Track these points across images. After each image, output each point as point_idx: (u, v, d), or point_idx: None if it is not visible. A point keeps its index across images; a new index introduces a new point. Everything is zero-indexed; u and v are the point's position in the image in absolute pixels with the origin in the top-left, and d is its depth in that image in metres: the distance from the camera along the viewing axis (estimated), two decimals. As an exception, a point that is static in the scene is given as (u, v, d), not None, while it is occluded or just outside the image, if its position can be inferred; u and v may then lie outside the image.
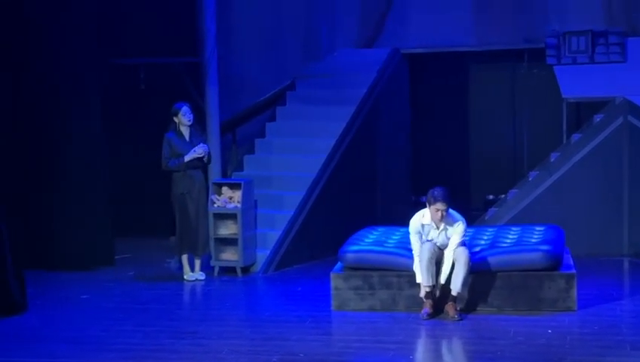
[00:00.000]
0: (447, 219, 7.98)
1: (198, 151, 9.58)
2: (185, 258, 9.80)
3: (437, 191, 7.89)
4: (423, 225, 8.05)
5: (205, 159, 9.73)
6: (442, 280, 7.98)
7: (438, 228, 8.01)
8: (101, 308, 8.70)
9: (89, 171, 10.45)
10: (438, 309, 8.06)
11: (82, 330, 7.84)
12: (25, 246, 8.90)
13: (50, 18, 10.28)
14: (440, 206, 7.88)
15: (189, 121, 9.61)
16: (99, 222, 10.51)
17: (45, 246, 10.38)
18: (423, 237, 8.07)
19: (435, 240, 8.05)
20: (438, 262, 8.02)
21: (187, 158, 9.59)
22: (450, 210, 7.98)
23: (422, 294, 8.01)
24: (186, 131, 9.67)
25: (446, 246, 8.04)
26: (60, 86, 10.36)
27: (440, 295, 8.07)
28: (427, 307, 7.99)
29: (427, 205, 7.98)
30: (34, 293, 8.97)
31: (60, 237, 10.41)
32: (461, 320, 7.85)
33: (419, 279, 8.00)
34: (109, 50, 11.64)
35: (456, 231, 7.96)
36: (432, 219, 7.96)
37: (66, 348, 7.34)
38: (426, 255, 7.94)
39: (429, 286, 7.97)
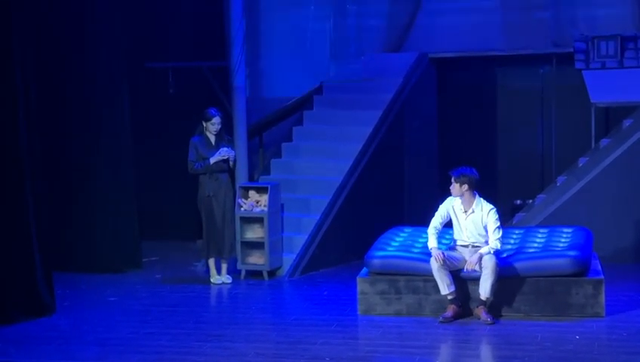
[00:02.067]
0: (474, 204, 8.12)
1: (223, 153, 9.64)
2: (211, 261, 9.85)
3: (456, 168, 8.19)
4: (453, 206, 8.22)
5: (231, 164, 9.77)
6: (481, 290, 7.99)
7: (465, 211, 8.12)
8: (128, 310, 8.76)
9: (117, 173, 10.53)
10: (464, 314, 8.07)
11: (110, 332, 7.90)
12: (53, 248, 8.98)
13: (85, 22, 10.38)
14: (452, 180, 8.12)
15: (216, 131, 9.69)
16: (126, 224, 10.59)
17: (73, 248, 10.47)
18: (454, 220, 8.20)
19: (464, 229, 8.15)
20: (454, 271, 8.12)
21: (213, 160, 9.64)
22: (479, 197, 8.17)
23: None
24: (211, 136, 9.74)
25: (473, 238, 8.12)
26: (92, 90, 10.45)
27: (467, 299, 8.09)
28: (449, 311, 8.02)
29: None
30: (62, 295, 9.06)
31: (87, 239, 10.49)
32: (493, 323, 7.85)
33: (431, 243, 8.12)
34: (138, 54, 11.72)
35: (489, 218, 8.08)
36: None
37: (93, 349, 7.40)
38: (435, 264, 7.99)
39: (449, 294, 8.00)
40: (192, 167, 9.71)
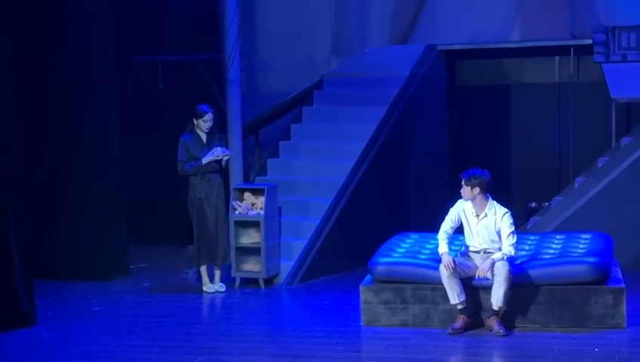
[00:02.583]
0: (487, 207, 8.12)
1: (216, 154, 9.63)
2: (203, 268, 9.84)
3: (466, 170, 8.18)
4: (464, 210, 8.22)
5: (223, 164, 9.77)
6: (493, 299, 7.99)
7: (477, 215, 8.13)
8: (115, 320, 8.76)
9: (103, 174, 10.52)
10: (475, 325, 8.06)
11: (95, 345, 7.89)
12: (34, 255, 8.97)
13: (70, 13, 10.36)
14: (462, 183, 8.12)
15: (208, 128, 9.68)
16: (113, 228, 10.58)
17: (56, 255, 10.47)
18: (465, 224, 8.21)
19: (476, 234, 8.15)
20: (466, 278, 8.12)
21: (205, 161, 9.63)
22: (492, 200, 8.16)
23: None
24: (203, 135, 9.73)
25: (486, 243, 8.13)
26: (78, 86, 10.42)
27: (478, 308, 8.09)
28: (459, 321, 8.02)
29: None
30: (43, 305, 9.05)
31: (71, 244, 10.48)
32: (506, 335, 7.85)
33: (441, 249, 8.09)
34: (126, 47, 11.71)
35: (503, 223, 8.07)
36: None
37: (77, 363, 7.41)
38: (444, 272, 7.99)
39: (460, 304, 8.00)
40: (182, 168, 9.70)
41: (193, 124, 9.73)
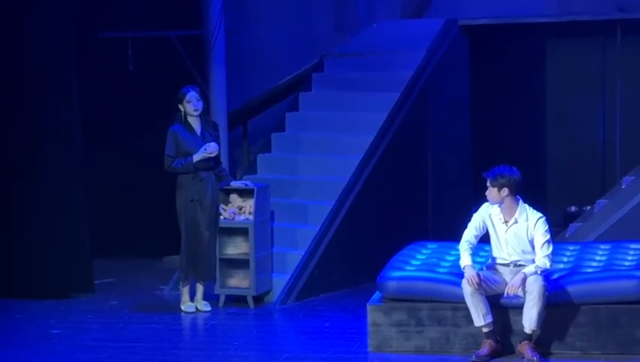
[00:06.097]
0: (517, 212, 8.13)
1: (209, 150, 9.64)
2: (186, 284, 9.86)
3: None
4: (490, 216, 8.24)
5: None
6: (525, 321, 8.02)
7: (506, 221, 8.14)
8: (76, 346, 8.76)
9: (63, 173, 10.52)
10: (504, 351, 8.08)
11: (52, 374, 7.94)
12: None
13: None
14: (488, 183, 8.14)
15: (196, 110, 9.67)
16: (74, 238, 10.58)
17: (7, 268, 10.47)
18: (491, 232, 8.22)
19: (505, 244, 8.18)
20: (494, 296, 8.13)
21: (196, 158, 9.64)
22: (524, 203, 8.17)
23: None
24: (195, 123, 9.74)
25: (516, 255, 8.15)
26: (32, 68, 10.42)
27: (508, 332, 8.11)
28: (485, 347, 8.04)
29: None
30: (-9, 327, 9.11)
31: (25, 256, 10.48)
32: (540, 363, 7.90)
33: (464, 261, 8.09)
34: (90, 21, 11.72)
35: (537, 230, 8.08)
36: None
37: (31, 396, 7.45)
38: (468, 288, 8.01)
39: (485, 326, 8.03)
40: (168, 165, 9.69)
41: (181, 112, 9.73)
